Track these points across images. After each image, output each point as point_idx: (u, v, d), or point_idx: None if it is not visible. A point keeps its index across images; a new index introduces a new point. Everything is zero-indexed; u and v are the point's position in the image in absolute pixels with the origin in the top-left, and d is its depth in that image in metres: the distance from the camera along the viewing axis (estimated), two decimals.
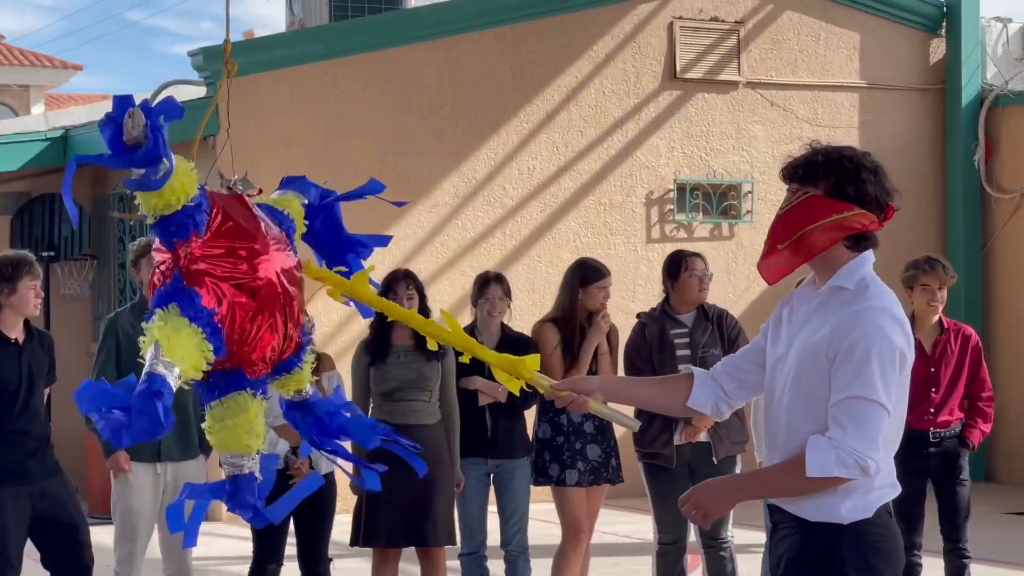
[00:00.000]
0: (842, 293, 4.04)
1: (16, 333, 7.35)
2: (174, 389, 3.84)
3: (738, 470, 8.09)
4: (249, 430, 4.20)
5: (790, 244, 4.07)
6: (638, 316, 8.34)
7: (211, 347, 4.00)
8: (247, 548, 8.06)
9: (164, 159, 3.99)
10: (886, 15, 15.38)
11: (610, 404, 4.43)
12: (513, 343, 8.12)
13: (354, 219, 14.15)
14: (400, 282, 8.08)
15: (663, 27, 14.62)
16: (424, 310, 8.03)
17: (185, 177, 4.09)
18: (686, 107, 14.74)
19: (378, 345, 8.05)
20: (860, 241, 4.09)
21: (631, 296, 14.32)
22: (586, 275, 8.15)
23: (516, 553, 8.19)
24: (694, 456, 7.92)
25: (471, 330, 8.32)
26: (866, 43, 15.38)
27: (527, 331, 8.39)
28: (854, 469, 3.89)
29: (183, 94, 13.40)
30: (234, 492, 4.20)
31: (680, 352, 7.99)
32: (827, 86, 15.21)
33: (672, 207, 14.65)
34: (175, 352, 3.85)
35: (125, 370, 7.60)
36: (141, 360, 3.96)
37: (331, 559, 7.98)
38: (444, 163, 13.78)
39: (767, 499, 4.50)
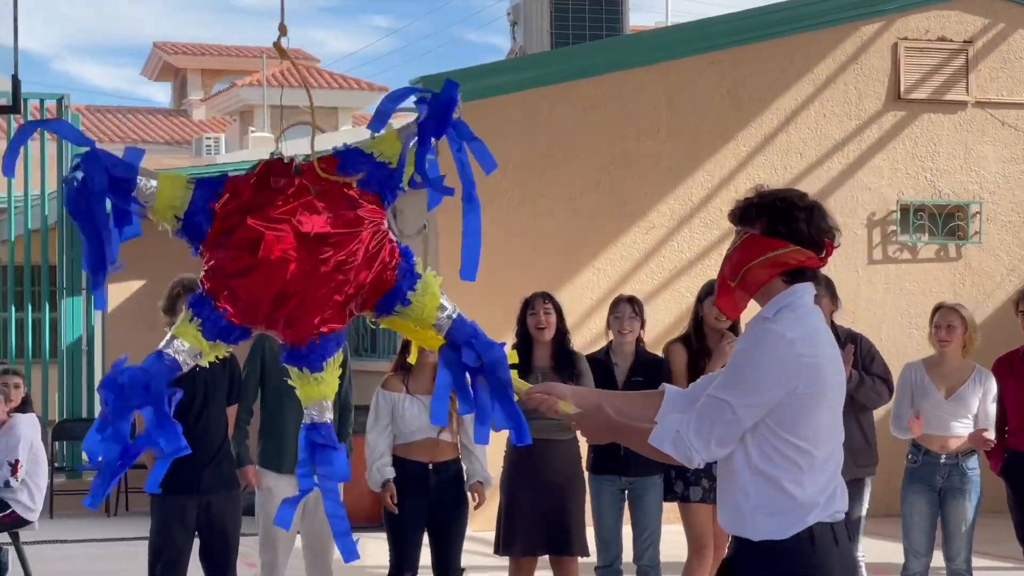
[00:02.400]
0: (762, 321, 4.33)
1: None
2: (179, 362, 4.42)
3: (867, 493, 8.22)
4: (326, 386, 4.56)
5: (738, 281, 4.41)
6: None
7: (205, 341, 4.47)
8: (384, 558, 8.52)
9: (137, 179, 4.39)
10: None
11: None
12: (647, 363, 8.43)
13: (571, 240, 14.55)
14: (538, 299, 8.46)
15: (887, 48, 14.60)
16: (562, 329, 8.41)
17: (167, 186, 4.46)
18: (911, 128, 14.67)
19: (520, 365, 8.42)
20: (799, 276, 4.38)
21: (851, 318, 14.32)
22: (701, 291, 8.39)
23: (647, 568, 8.48)
24: None
25: (606, 352, 8.66)
26: None
27: None
28: (681, 454, 4.31)
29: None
30: (311, 439, 4.55)
31: None
32: None
33: (895, 228, 14.60)
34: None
35: (269, 387, 8.21)
36: (286, 380, 4.57)
37: (463, 569, 8.39)
38: (661, 186, 14.07)
39: None
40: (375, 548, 12.09)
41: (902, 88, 14.59)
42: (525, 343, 8.39)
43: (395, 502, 8.07)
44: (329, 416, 4.58)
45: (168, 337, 4.50)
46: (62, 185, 14.30)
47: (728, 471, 4.37)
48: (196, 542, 7.98)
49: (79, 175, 4.41)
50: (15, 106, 12.51)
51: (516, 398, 4.68)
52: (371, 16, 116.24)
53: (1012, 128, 14.85)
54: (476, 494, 8.21)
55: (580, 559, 8.42)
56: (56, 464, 15.17)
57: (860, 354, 8.26)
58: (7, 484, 9.99)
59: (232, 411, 8.09)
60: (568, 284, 13.53)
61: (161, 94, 48.08)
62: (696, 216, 14.15)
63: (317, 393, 4.54)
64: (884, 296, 14.49)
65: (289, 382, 4.56)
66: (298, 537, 8.34)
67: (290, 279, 4.40)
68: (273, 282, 4.40)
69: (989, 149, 14.83)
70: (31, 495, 10.12)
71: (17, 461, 9.97)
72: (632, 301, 8.70)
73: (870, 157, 14.56)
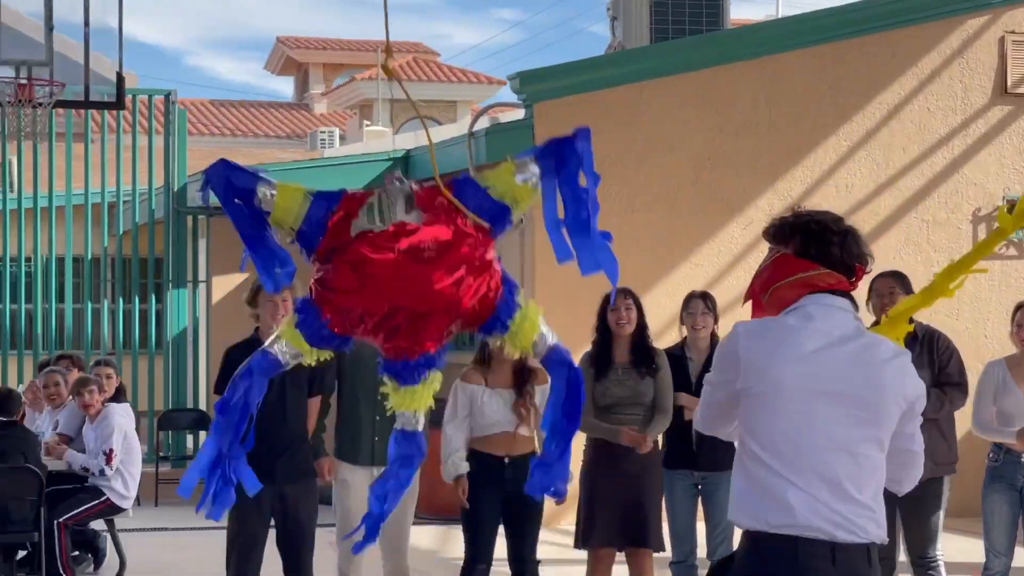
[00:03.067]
0: None
1: None
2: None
3: (946, 493, 8.13)
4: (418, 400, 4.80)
5: (768, 299, 4.49)
6: None
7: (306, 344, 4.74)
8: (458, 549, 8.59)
9: (257, 188, 4.64)
10: None
11: None
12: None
13: (668, 235, 14.46)
14: (618, 295, 8.48)
15: (993, 42, 14.37)
16: (642, 324, 8.43)
17: (285, 198, 4.67)
18: (1018, 122, 14.43)
19: (601, 361, 8.46)
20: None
21: (955, 314, 14.17)
22: None
23: None
24: None
25: (681, 347, 8.66)
26: None
27: None
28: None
29: (503, 117, 14.14)
30: (402, 442, 4.82)
31: None
32: None
33: None
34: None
35: (346, 381, 8.29)
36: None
37: (539, 561, 8.43)
38: (759, 181, 13.99)
39: None
40: (456, 539, 12.23)
41: (1009, 82, 14.36)
42: (604, 339, 8.43)
43: (467, 496, 8.13)
44: (420, 426, 4.84)
45: (273, 337, 4.81)
46: (168, 180, 14.51)
47: None
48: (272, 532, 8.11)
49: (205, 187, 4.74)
50: (120, 102, 12.75)
51: None
52: (499, 9, 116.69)
53: None
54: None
55: (655, 553, 8.43)
56: (160, 454, 15.46)
57: (937, 353, 8.16)
58: (101, 472, 10.20)
59: (313, 403, 8.19)
60: (665, 280, 13.51)
61: (287, 88, 48.63)
62: None
63: (408, 405, 4.79)
64: (989, 293, 14.28)
65: (381, 388, 4.79)
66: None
67: (391, 298, 4.62)
68: (374, 302, 4.64)
69: None
70: (125, 483, 10.33)
71: (111, 450, 10.18)
72: (705, 297, 8.71)
73: (975, 152, 14.35)
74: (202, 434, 15.82)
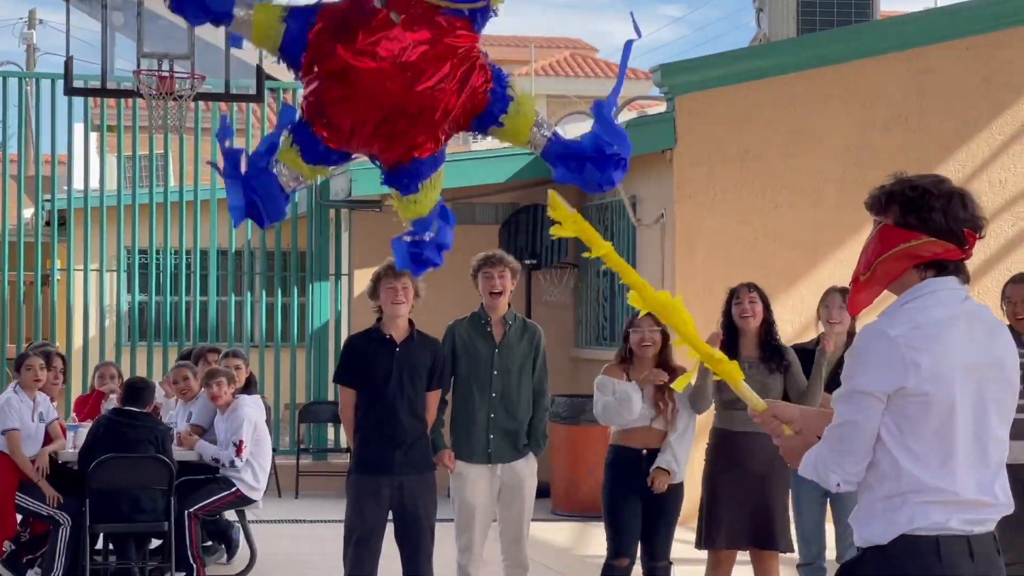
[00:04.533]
0: (874, 321, 4.13)
1: (394, 332, 8.07)
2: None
3: None
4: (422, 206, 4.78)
5: (869, 275, 4.19)
6: None
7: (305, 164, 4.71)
8: (581, 543, 8.47)
9: (234, 10, 4.62)
10: None
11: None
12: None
13: (812, 231, 14.09)
14: (743, 289, 8.35)
15: None
16: (768, 319, 8.27)
17: (262, 18, 4.62)
18: None
19: (726, 353, 8.27)
20: (941, 268, 4.11)
21: None
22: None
23: None
24: None
25: (817, 341, 8.46)
26: None
27: None
28: (823, 479, 4.15)
29: (652, 110, 13.97)
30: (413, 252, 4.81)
31: None
32: None
33: None
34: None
35: (460, 377, 8.26)
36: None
37: (671, 562, 8.29)
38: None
39: None
40: (592, 535, 12.12)
41: None
42: (730, 333, 8.29)
43: (608, 491, 8.19)
44: (428, 236, 4.81)
45: (272, 159, 4.73)
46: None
47: None
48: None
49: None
50: (259, 94, 12.82)
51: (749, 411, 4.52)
52: (666, 5, 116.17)
53: None
54: (657, 480, 8.10)
55: (782, 555, 8.24)
56: (302, 446, 15.56)
57: None
58: (232, 464, 10.25)
59: (433, 396, 8.15)
60: (808, 277, 13.22)
61: None
62: None
63: (412, 212, 4.76)
64: None
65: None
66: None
67: (379, 106, 4.56)
68: (362, 111, 4.57)
69: None
70: (255, 475, 10.37)
71: (241, 441, 10.22)
72: (844, 292, 8.48)
73: None
74: (341, 427, 15.91)
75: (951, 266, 4.12)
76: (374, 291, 8.10)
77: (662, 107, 13.95)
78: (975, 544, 4.05)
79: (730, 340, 8.28)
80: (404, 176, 4.67)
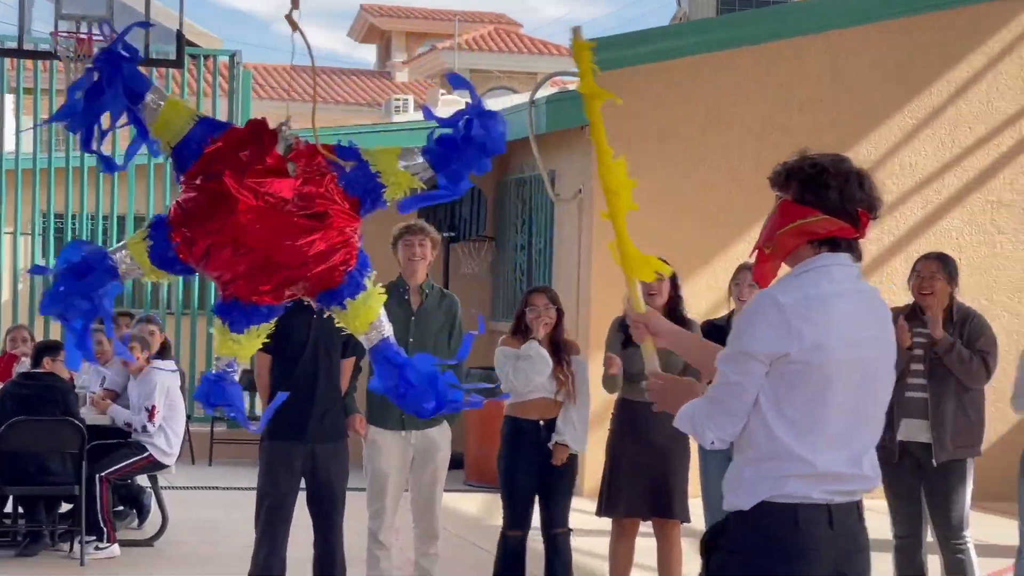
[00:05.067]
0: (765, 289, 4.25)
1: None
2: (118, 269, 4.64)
3: (970, 475, 8.00)
4: (241, 349, 4.76)
5: (772, 249, 4.29)
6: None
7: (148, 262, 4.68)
8: (493, 513, 8.57)
9: (147, 93, 4.56)
10: None
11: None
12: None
13: (729, 209, 14.32)
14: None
15: None
16: (675, 296, 8.36)
17: (171, 112, 4.59)
18: None
19: (629, 335, 8.38)
20: (835, 245, 4.21)
21: (1018, 297, 13.96)
22: None
23: None
24: (922, 453, 7.91)
25: (727, 320, 8.58)
26: None
27: None
28: (698, 434, 4.23)
29: (572, 86, 14.05)
30: (208, 389, 4.80)
31: (915, 352, 7.97)
32: None
33: None
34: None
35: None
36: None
37: (570, 530, 8.39)
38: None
39: None
40: (486, 504, 12.21)
41: None
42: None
43: (504, 461, 8.23)
44: (235, 376, 4.79)
45: (120, 244, 4.71)
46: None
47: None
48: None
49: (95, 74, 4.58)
50: (179, 60, 12.77)
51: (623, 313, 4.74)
52: None
53: None
54: (557, 454, 8.21)
55: (688, 526, 8.37)
56: (216, 414, 15.53)
57: (969, 331, 8.01)
58: (144, 429, 10.26)
59: (347, 364, 8.19)
60: (723, 254, 13.39)
61: (371, 56, 48.71)
62: None
63: (230, 351, 4.74)
64: None
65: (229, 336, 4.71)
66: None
67: (243, 242, 4.53)
68: (226, 238, 4.54)
69: None
70: (168, 440, 10.39)
71: (154, 407, 10.23)
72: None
73: None
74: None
75: (844, 244, 4.22)
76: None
77: None
78: (835, 513, 4.15)
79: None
80: (237, 314, 4.63)
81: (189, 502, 12.41)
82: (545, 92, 14.23)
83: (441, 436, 8.27)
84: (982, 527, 8.33)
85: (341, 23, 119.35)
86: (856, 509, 4.24)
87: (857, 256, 4.28)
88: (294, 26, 4.82)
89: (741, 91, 13.73)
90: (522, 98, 15.43)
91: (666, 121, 13.61)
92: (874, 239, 13.83)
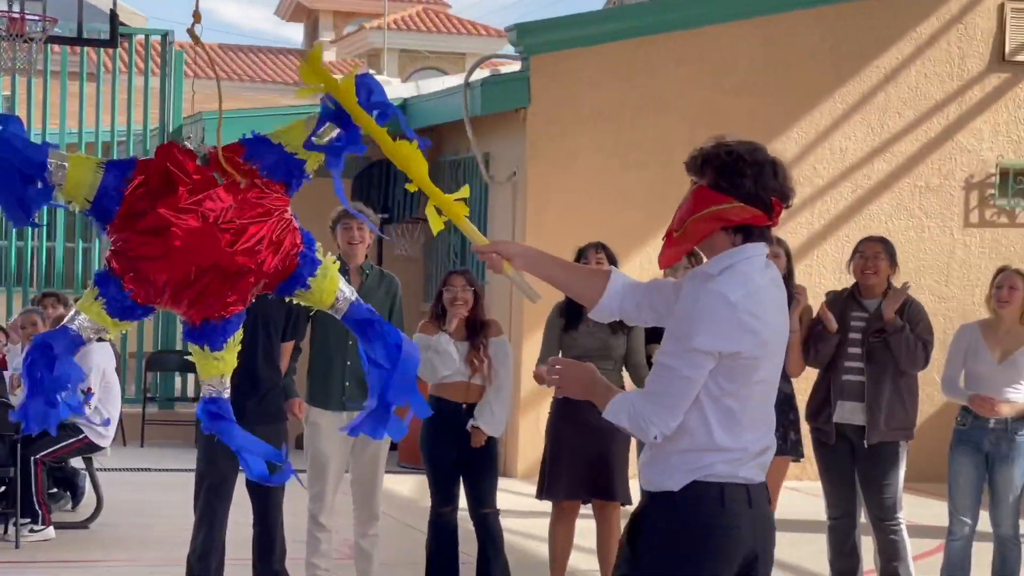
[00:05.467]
0: (705, 277, 4.27)
1: None
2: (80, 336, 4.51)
3: (903, 458, 8.14)
4: (225, 365, 4.73)
5: (681, 233, 4.32)
6: (826, 295, 8.47)
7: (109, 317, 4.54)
8: (427, 494, 8.62)
9: (48, 160, 4.46)
10: None
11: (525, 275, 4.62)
12: None
13: (662, 192, 14.41)
14: (591, 249, 8.48)
15: (992, 9, 14.32)
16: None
17: (77, 171, 4.49)
18: (1014, 90, 14.39)
19: (572, 312, 8.45)
20: (748, 233, 4.27)
21: (944, 280, 14.17)
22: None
23: None
24: (856, 435, 8.04)
25: None
26: None
27: None
28: (636, 428, 4.27)
29: (505, 69, 14.10)
30: (208, 410, 4.73)
31: (852, 335, 8.09)
32: None
33: (993, 192, 14.36)
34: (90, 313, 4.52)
35: (318, 326, 8.32)
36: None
37: (499, 510, 8.45)
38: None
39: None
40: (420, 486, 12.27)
41: (1007, 50, 14.31)
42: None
43: (426, 441, 8.30)
44: (227, 392, 4.74)
45: (72, 312, 4.61)
46: (163, 121, 14.35)
47: None
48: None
49: None
50: (113, 40, 12.69)
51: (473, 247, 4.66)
52: None
53: None
54: (474, 437, 8.28)
55: (623, 507, 8.45)
56: (148, 395, 15.49)
57: (908, 316, 8.14)
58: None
59: (286, 347, 8.20)
60: (656, 238, 13.22)
61: (298, 35, 48.53)
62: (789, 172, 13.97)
63: (216, 370, 4.68)
64: (979, 260, 14.26)
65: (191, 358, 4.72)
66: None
67: (198, 264, 4.50)
68: (179, 269, 4.50)
69: None
70: (103, 421, 10.35)
71: (89, 389, 10.18)
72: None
73: (970, 119, 14.32)
74: (190, 376, 15.86)
75: (757, 232, 4.27)
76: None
77: (515, 66, 14.09)
78: (752, 491, 4.28)
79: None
80: (211, 333, 4.59)
81: (122, 483, 12.37)
82: (479, 75, 14.27)
83: None
84: (911, 508, 8.45)
85: (267, 1, 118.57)
86: (765, 488, 4.37)
87: (770, 242, 4.36)
88: (196, 40, 4.81)
89: (675, 75, 13.83)
90: (456, 80, 15.43)
91: (600, 105, 13.69)
92: (804, 223, 14.00)
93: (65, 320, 4.63)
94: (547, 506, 8.59)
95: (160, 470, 13.43)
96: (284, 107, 19.00)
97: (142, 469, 13.53)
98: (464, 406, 8.28)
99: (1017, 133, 14.40)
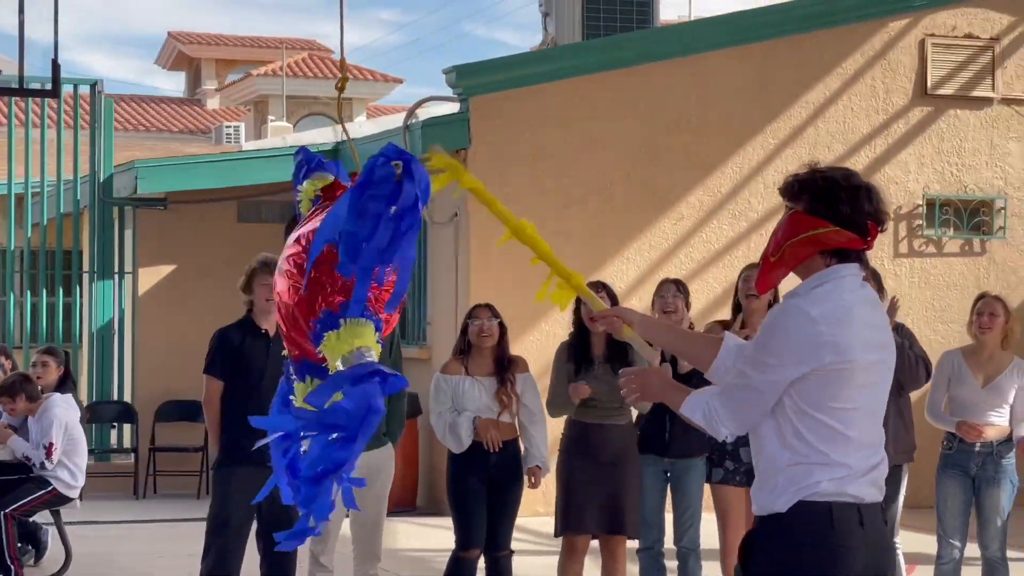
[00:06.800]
0: (791, 297, 4.39)
1: (268, 325, 8.08)
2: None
3: (905, 481, 8.33)
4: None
5: (778, 257, 4.44)
6: None
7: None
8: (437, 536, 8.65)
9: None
10: None
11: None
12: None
13: (602, 229, 14.59)
14: (594, 288, 8.53)
15: (914, 44, 14.71)
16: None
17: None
18: (937, 123, 14.79)
19: (579, 353, 8.47)
20: (844, 256, 4.39)
21: None
22: (743, 271, 8.44)
23: (687, 550, 8.54)
24: None
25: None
26: None
27: None
28: (711, 427, 4.41)
29: (440, 110, 14.21)
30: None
31: None
32: None
33: (921, 222, 14.73)
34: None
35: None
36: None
37: (512, 551, 8.49)
38: (690, 177, 14.18)
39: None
40: (416, 532, 12.23)
41: (929, 84, 14.70)
42: (582, 334, 8.44)
43: (453, 481, 8.32)
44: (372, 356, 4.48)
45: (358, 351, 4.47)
46: (93, 170, 14.19)
47: (759, 447, 4.44)
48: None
49: None
50: (55, 90, 12.59)
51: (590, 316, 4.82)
52: (377, 10, 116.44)
53: None
54: (533, 477, 8.35)
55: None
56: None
57: (902, 335, 8.32)
58: (42, 466, 10.09)
59: None
60: (597, 273, 13.58)
61: (169, 84, 48.19)
62: (724, 208, 14.26)
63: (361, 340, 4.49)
64: (909, 289, 14.59)
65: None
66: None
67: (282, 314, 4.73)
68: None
69: (1014, 145, 14.96)
70: (72, 473, 10.23)
71: (51, 444, 10.06)
72: (677, 283, 8.78)
73: (897, 152, 14.68)
74: (127, 427, 15.69)
75: (853, 255, 4.41)
76: (248, 285, 8.12)
77: (449, 108, 14.20)
78: (864, 512, 4.35)
79: (582, 340, 8.44)
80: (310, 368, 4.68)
81: (72, 537, 12.18)
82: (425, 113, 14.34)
83: (386, 457, 8.32)
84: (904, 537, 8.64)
85: (134, 52, 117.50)
86: (881, 510, 4.45)
87: (864, 265, 4.47)
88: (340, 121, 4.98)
89: (612, 113, 14.02)
90: (395, 121, 15.45)
91: (540, 144, 13.83)
92: (741, 257, 14.20)
93: (359, 357, 4.41)
94: (554, 546, 8.62)
95: (106, 523, 13.25)
96: (199, 155, 18.96)
97: (86, 522, 13.32)
98: (491, 444, 8.31)
99: (941, 165, 14.80)
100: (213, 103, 43.22)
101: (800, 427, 4.31)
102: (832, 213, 4.36)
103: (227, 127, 29.35)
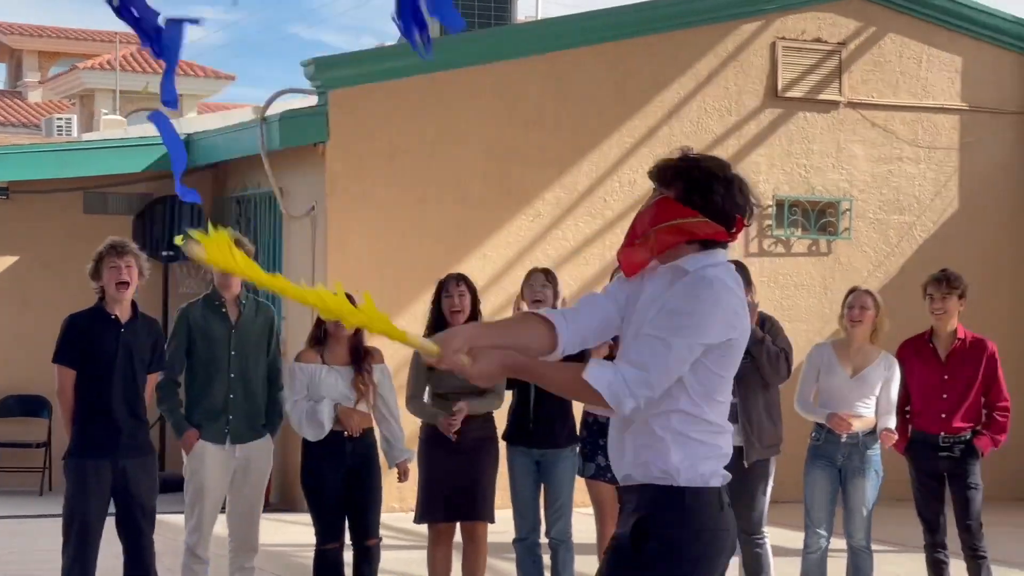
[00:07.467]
0: (684, 274, 4.30)
1: (119, 312, 7.91)
2: None
3: (772, 473, 8.44)
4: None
5: (643, 240, 4.39)
6: None
7: None
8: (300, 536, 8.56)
9: None
10: (988, 39, 15.57)
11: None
12: None
13: (458, 226, 14.56)
14: (451, 281, 8.53)
15: (766, 47, 14.96)
16: (475, 311, 8.49)
17: None
18: (787, 125, 15.05)
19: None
20: (707, 246, 4.35)
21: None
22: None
23: (557, 542, 8.56)
24: (734, 456, 8.27)
25: None
26: (968, 66, 15.56)
27: None
28: (615, 399, 4.16)
29: (296, 103, 14.06)
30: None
31: None
32: (928, 108, 15.43)
33: (771, 223, 14.98)
34: None
35: (197, 359, 8.20)
36: None
37: (380, 538, 8.45)
38: (546, 175, 14.22)
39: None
40: (280, 529, 12.09)
41: (780, 86, 14.96)
42: (440, 326, 8.38)
43: (309, 472, 8.20)
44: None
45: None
46: None
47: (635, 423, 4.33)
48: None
49: None
50: None
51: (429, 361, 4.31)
52: (201, 7, 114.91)
53: (881, 129, 15.32)
54: (402, 473, 8.34)
55: (493, 530, 8.53)
56: None
57: (768, 330, 8.43)
58: None
59: (153, 379, 8.05)
60: (453, 270, 13.55)
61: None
62: (580, 205, 14.33)
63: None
64: (759, 288, 14.73)
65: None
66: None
67: None
68: None
69: (859, 148, 15.29)
70: None
71: None
72: (547, 272, 8.79)
73: (748, 152, 14.90)
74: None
75: (718, 246, 4.38)
76: (96, 271, 7.92)
77: (307, 100, 14.08)
78: (724, 495, 4.41)
79: (438, 331, 8.38)
80: None
81: None
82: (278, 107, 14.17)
83: (264, 449, 8.24)
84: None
85: None
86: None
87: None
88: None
89: (469, 109, 14.00)
90: (247, 115, 15.21)
91: (397, 138, 13.76)
92: (596, 255, 14.32)
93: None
94: (422, 531, 8.61)
95: (8, 517, 12.85)
96: (41, 144, 18.53)
97: None
98: (346, 434, 8.23)
99: (791, 166, 15.06)
100: (35, 96, 42.32)
101: (704, 408, 4.31)
102: (705, 204, 4.31)
103: (58, 119, 28.68)
